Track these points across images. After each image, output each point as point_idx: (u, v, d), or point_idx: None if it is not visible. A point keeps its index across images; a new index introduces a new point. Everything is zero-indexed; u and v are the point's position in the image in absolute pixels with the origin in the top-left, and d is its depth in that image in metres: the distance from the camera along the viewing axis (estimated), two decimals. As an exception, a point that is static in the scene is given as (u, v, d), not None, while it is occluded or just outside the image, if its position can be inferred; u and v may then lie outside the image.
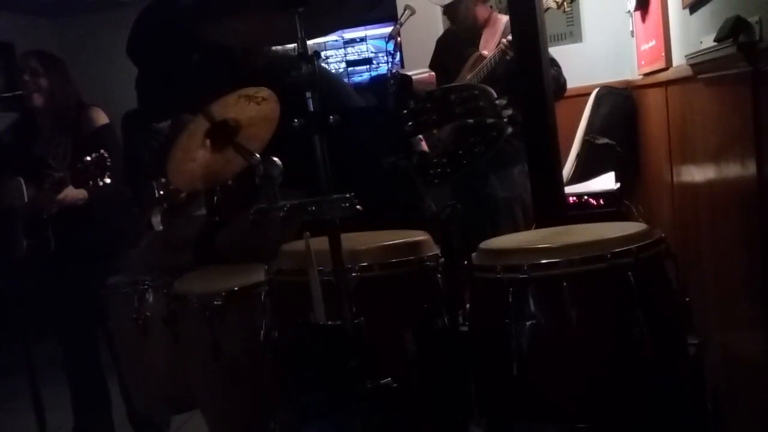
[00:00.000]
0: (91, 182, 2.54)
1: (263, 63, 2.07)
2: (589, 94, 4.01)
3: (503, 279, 1.44)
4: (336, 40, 6.23)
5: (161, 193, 3.34)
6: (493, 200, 3.23)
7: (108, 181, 2.53)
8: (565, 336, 1.40)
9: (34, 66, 2.95)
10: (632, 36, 3.91)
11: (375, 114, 1.63)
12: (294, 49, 1.36)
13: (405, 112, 1.47)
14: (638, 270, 1.40)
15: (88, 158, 2.53)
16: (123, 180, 3.13)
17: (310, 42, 1.39)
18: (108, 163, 2.53)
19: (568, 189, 3.30)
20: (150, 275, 2.25)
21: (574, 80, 3.51)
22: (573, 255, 1.41)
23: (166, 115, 2.43)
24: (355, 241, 1.56)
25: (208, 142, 1.68)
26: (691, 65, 2.26)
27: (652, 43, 3.20)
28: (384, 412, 1.38)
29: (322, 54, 5.18)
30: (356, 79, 6.31)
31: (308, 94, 1.34)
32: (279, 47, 1.99)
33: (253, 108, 1.64)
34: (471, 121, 1.59)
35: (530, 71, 2.21)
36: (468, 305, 1.56)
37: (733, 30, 1.69)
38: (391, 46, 3.55)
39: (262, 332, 1.66)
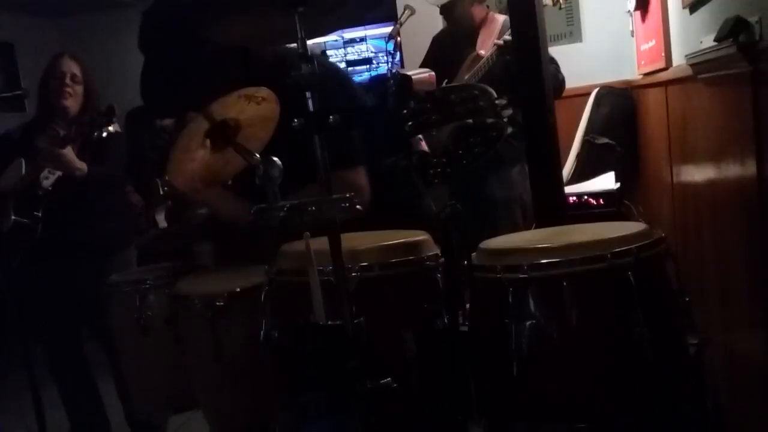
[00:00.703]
0: (95, 134, 2.51)
1: (272, 58, 2.06)
2: (589, 94, 4.01)
3: (503, 279, 1.44)
4: (336, 40, 6.22)
5: (165, 189, 3.34)
6: (492, 200, 3.23)
7: (112, 129, 2.50)
8: (565, 336, 1.40)
9: (74, 71, 2.90)
10: (632, 36, 3.91)
11: (375, 114, 1.63)
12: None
13: (405, 112, 1.47)
14: (638, 270, 1.40)
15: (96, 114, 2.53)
16: (125, 178, 3.13)
17: (309, 42, 1.39)
18: (113, 120, 2.50)
19: (568, 189, 3.30)
20: (152, 275, 2.26)
21: (574, 80, 3.51)
22: (573, 255, 1.41)
23: (172, 111, 2.41)
24: (355, 241, 1.56)
25: (208, 142, 1.68)
26: (691, 65, 2.26)
27: (652, 43, 3.20)
28: (384, 412, 1.38)
29: (323, 54, 5.20)
30: (356, 79, 6.32)
31: (308, 94, 1.35)
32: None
33: (253, 108, 1.64)
34: (471, 121, 1.59)
35: (530, 71, 2.21)
36: (468, 305, 1.56)
37: (733, 30, 1.69)
38: (391, 46, 3.55)
39: (262, 332, 1.66)
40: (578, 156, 3.80)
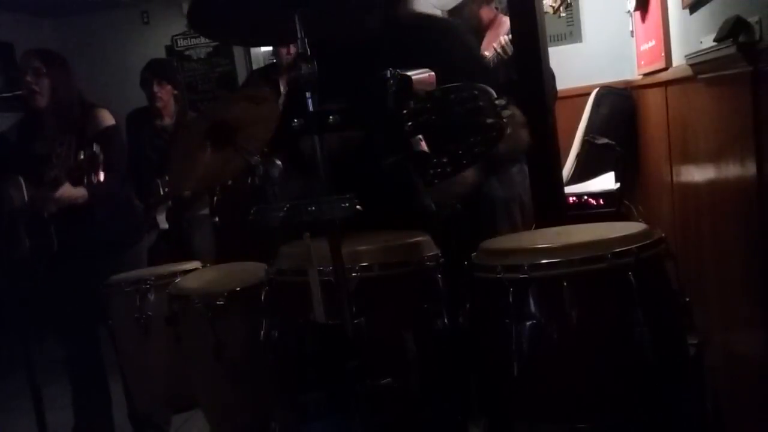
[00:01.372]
0: (85, 179, 2.51)
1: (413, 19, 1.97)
2: (588, 94, 4.01)
3: (504, 279, 1.44)
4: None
5: (166, 190, 3.34)
6: (492, 200, 3.23)
7: (102, 178, 2.50)
8: (565, 336, 1.40)
9: (36, 65, 2.90)
10: (632, 36, 3.91)
11: (375, 114, 1.62)
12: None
13: (405, 112, 1.46)
14: (638, 270, 1.40)
15: (81, 156, 2.51)
16: (127, 179, 3.13)
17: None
18: (101, 161, 2.49)
19: (568, 189, 3.31)
20: (152, 275, 2.26)
21: (574, 80, 3.52)
22: (573, 255, 1.41)
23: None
24: (355, 241, 1.56)
25: (208, 142, 1.69)
26: (691, 65, 2.26)
27: (652, 43, 3.20)
28: (384, 412, 1.38)
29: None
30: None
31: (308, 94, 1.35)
32: None
33: (253, 108, 1.65)
34: (471, 121, 1.59)
35: (530, 71, 2.22)
36: (468, 305, 1.56)
37: (733, 30, 1.69)
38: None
39: (262, 332, 1.67)
40: (578, 156, 3.80)
